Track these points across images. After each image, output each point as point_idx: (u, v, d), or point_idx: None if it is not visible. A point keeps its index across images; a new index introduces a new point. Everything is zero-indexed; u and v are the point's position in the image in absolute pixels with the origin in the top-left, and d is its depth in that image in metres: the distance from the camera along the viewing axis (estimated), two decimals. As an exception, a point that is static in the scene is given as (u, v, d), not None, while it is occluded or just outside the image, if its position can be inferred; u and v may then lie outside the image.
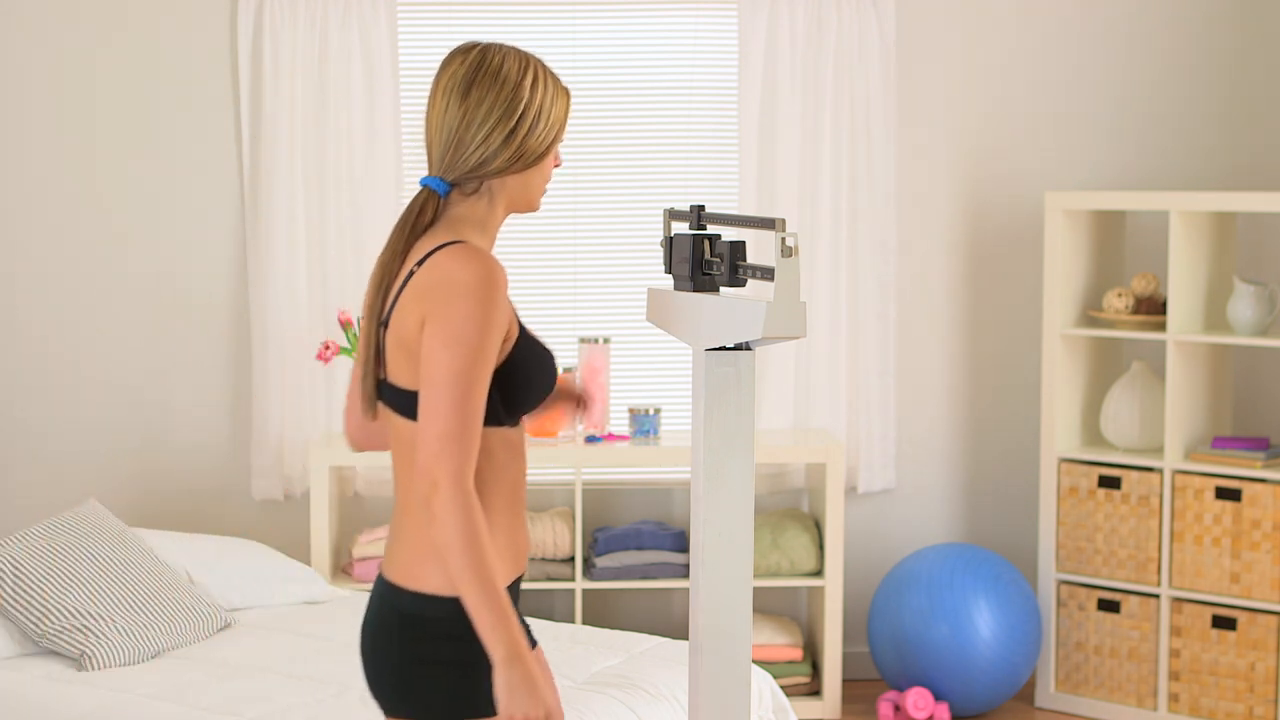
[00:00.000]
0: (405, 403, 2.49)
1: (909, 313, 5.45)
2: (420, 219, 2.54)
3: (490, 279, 2.43)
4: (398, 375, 2.49)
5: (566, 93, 2.59)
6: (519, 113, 2.53)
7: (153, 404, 5.30)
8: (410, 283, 2.46)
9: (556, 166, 2.62)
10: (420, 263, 2.47)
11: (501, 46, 2.57)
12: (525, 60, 2.56)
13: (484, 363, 2.42)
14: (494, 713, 2.47)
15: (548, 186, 2.63)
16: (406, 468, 2.52)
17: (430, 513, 2.39)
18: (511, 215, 2.64)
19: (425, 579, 2.49)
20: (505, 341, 2.49)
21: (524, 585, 4.99)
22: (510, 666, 2.39)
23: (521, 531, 2.59)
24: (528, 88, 2.53)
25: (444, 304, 2.42)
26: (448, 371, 2.41)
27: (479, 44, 2.56)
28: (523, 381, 2.52)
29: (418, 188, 5.28)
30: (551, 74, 2.58)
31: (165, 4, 5.21)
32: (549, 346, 2.61)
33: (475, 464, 2.43)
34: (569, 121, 2.66)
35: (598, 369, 5.10)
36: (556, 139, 2.58)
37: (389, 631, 2.50)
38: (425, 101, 2.61)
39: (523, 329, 2.55)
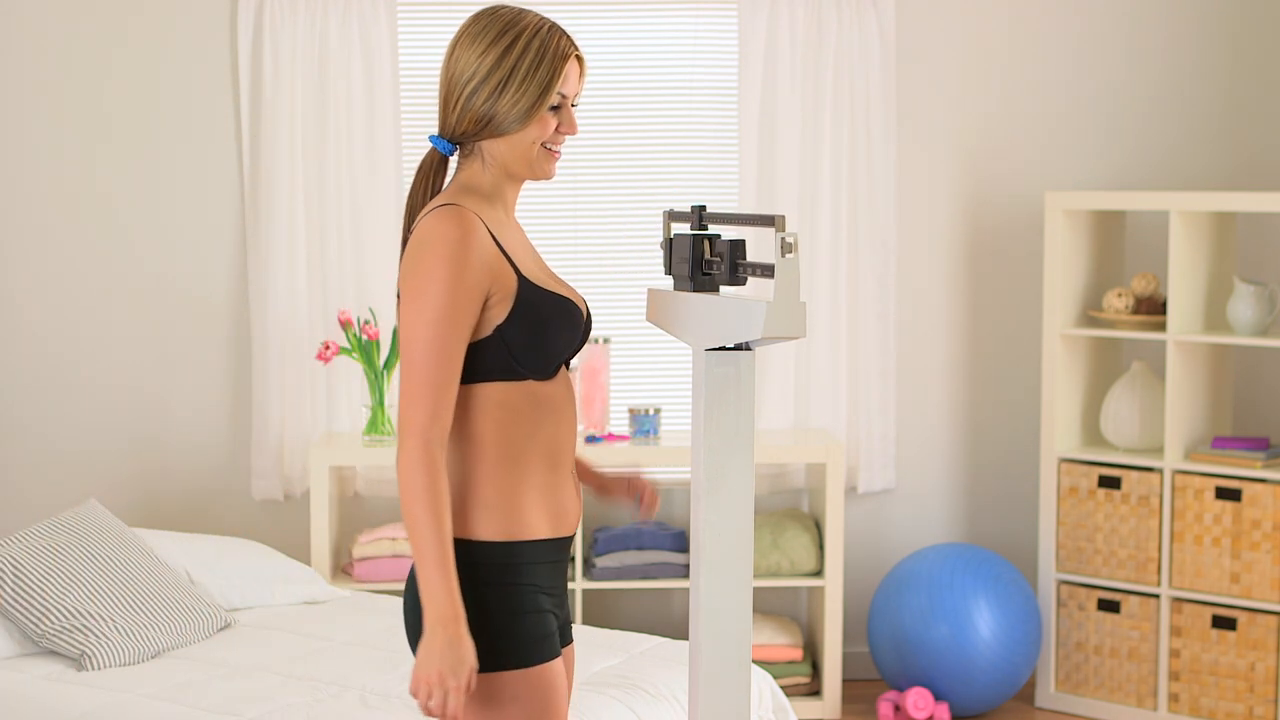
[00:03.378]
0: None
1: (909, 313, 5.45)
2: (428, 178, 2.61)
3: (456, 236, 2.46)
4: None
5: (563, 58, 2.54)
6: (488, 75, 2.54)
7: (153, 404, 5.30)
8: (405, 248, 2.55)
9: (569, 133, 2.59)
10: (412, 229, 2.55)
11: (502, 9, 2.57)
12: (515, 23, 2.55)
13: (451, 320, 2.44)
14: (518, 665, 2.50)
15: (557, 149, 2.59)
16: None
17: (396, 465, 2.45)
18: (524, 192, 2.62)
19: (483, 529, 2.53)
20: (498, 294, 2.50)
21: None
22: (434, 631, 2.41)
23: (564, 490, 2.60)
24: (500, 52, 2.53)
25: (412, 262, 2.48)
26: (410, 328, 2.46)
27: (498, 6, 2.60)
28: (530, 332, 2.52)
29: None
30: (544, 38, 2.54)
31: (166, 4, 5.21)
32: (573, 296, 2.59)
33: (447, 420, 2.45)
34: (580, 89, 2.60)
35: (598, 369, 5.10)
36: (538, 105, 2.54)
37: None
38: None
39: (524, 280, 2.53)
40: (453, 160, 2.63)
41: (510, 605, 2.51)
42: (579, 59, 2.59)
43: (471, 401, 2.52)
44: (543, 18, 2.58)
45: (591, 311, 2.74)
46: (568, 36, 2.58)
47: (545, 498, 2.56)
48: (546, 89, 2.54)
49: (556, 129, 2.58)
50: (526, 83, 2.53)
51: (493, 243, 2.51)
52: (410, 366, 2.45)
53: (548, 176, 2.61)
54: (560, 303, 2.56)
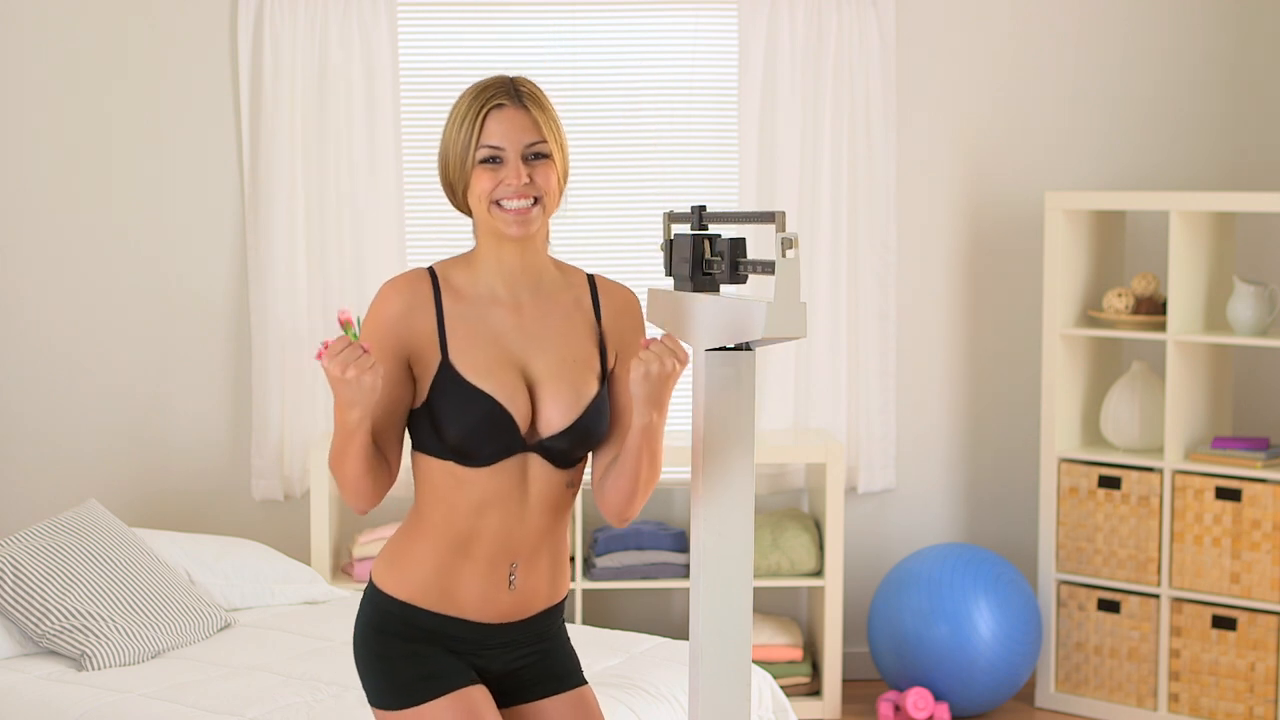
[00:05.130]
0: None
1: (909, 313, 5.45)
2: None
3: (383, 294, 2.61)
4: None
5: (484, 111, 2.54)
6: (438, 147, 2.62)
7: (153, 404, 5.29)
8: None
9: (515, 185, 2.56)
10: None
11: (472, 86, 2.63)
12: (461, 97, 2.59)
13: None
14: (393, 707, 2.62)
15: (511, 207, 2.57)
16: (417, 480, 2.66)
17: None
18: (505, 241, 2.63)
19: (376, 572, 2.68)
20: (420, 368, 2.59)
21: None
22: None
23: (466, 577, 2.63)
24: (444, 123, 2.62)
25: None
26: None
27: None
28: (440, 415, 2.58)
29: (416, 187, 5.28)
30: (471, 96, 2.56)
31: (166, 4, 5.21)
32: (504, 397, 2.57)
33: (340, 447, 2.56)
34: (500, 139, 2.56)
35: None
36: (466, 163, 2.56)
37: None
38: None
39: (447, 364, 2.57)
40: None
41: (389, 651, 2.64)
42: (524, 108, 2.56)
43: (413, 462, 2.65)
44: (492, 77, 2.59)
45: (575, 429, 2.62)
46: (501, 88, 2.56)
47: (438, 574, 2.62)
48: (468, 145, 2.56)
49: (500, 184, 2.57)
50: (454, 144, 2.58)
51: (431, 316, 2.58)
52: None
53: (512, 236, 2.59)
54: (474, 397, 2.56)
